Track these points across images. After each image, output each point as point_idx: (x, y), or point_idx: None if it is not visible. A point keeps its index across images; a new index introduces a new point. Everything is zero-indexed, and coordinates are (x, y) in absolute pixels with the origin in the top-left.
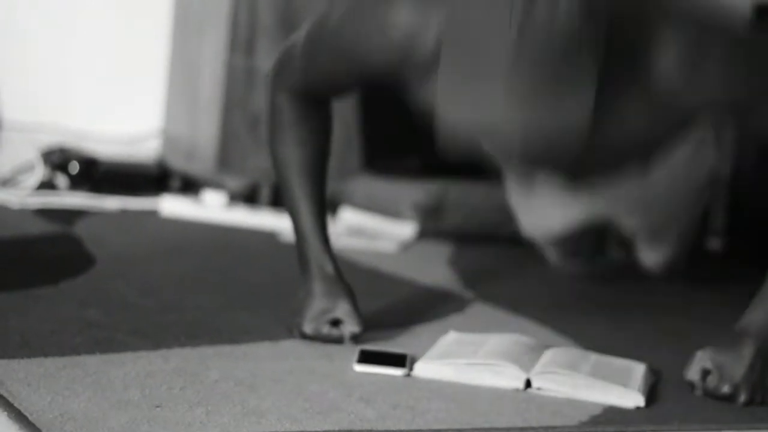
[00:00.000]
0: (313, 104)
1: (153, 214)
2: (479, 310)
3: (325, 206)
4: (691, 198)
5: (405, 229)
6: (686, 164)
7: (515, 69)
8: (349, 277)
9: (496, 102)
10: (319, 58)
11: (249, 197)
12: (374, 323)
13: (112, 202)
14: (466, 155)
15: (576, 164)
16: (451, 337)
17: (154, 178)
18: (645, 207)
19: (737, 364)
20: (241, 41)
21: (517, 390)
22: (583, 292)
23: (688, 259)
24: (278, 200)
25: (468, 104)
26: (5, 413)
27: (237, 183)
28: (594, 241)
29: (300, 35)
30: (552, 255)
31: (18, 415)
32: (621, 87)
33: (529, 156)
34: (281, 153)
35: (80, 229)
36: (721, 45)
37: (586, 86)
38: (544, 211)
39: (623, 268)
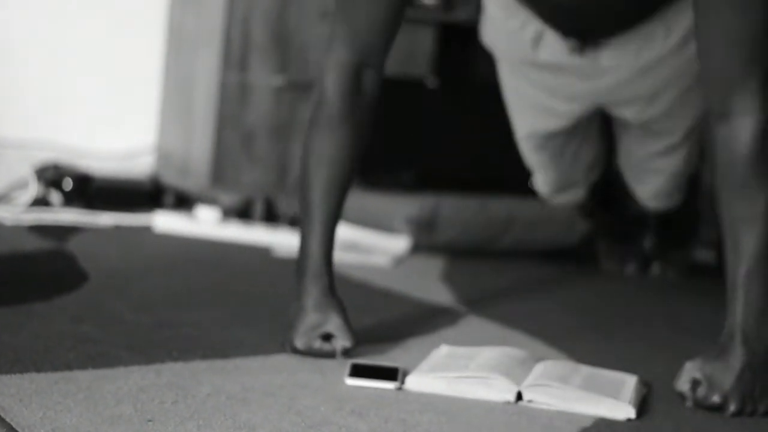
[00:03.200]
0: (360, 104)
1: (147, 230)
2: (471, 323)
3: (338, 221)
4: (691, 89)
5: (398, 244)
6: (688, 39)
7: None
8: (342, 292)
9: None
10: (353, 3)
11: (242, 213)
12: (366, 337)
13: (105, 219)
14: None
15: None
16: (443, 351)
17: (147, 194)
18: (645, 91)
19: (726, 374)
20: (235, 58)
21: (508, 403)
22: (575, 306)
23: (685, 193)
24: (272, 216)
25: None
26: None
27: (230, 199)
28: (601, 192)
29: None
30: (542, 186)
31: (10, 430)
32: None
33: None
34: (314, 152)
35: (74, 245)
36: None
37: None
38: (552, 99)
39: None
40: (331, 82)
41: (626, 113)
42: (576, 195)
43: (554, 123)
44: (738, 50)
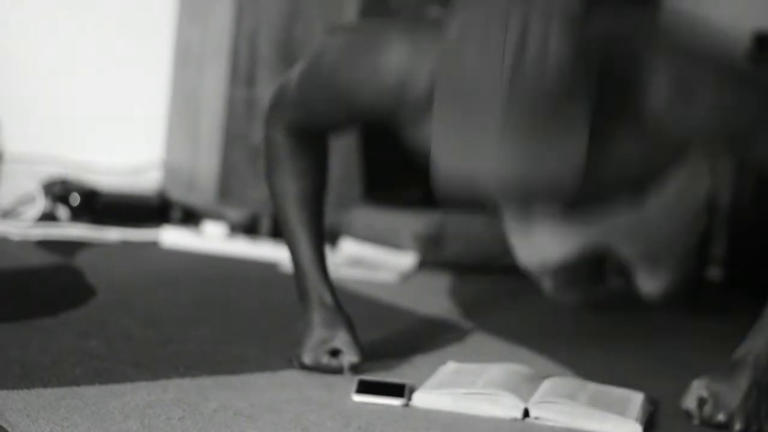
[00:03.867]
0: (309, 139)
1: (154, 245)
2: (478, 340)
3: (323, 237)
4: (687, 225)
5: (405, 260)
6: (681, 193)
7: (507, 116)
8: (349, 307)
9: (489, 150)
10: (313, 98)
11: (249, 228)
12: (373, 353)
13: (113, 234)
14: (462, 199)
15: (571, 198)
16: (450, 367)
17: (154, 210)
18: (640, 236)
19: (733, 392)
20: (242, 73)
21: (515, 419)
22: (582, 322)
23: (688, 287)
24: (278, 231)
25: (461, 152)
26: None
27: (237, 214)
28: (591, 271)
29: (295, 73)
30: (547, 285)
31: None
32: (613, 123)
33: (523, 200)
34: (278, 186)
35: (81, 260)
36: (712, 76)
37: (579, 131)
38: (542, 243)
39: (618, 297)
40: (280, 133)
41: (622, 249)
42: (578, 296)
43: (549, 257)
44: None
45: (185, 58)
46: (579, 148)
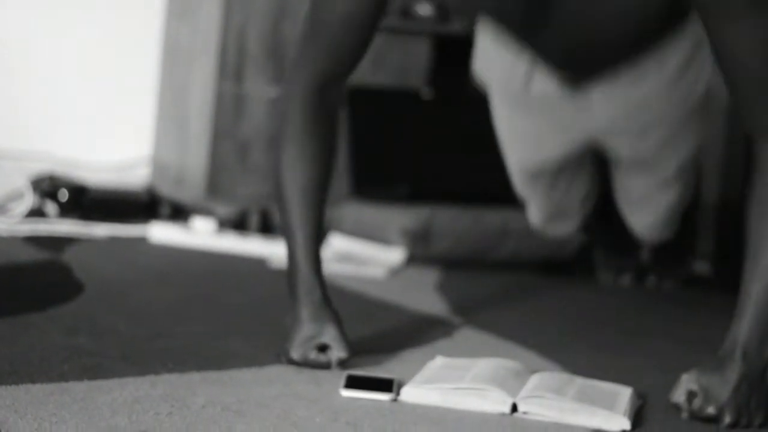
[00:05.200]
0: (324, 115)
1: (142, 241)
2: (467, 335)
3: (321, 231)
4: (685, 119)
5: (393, 255)
6: (680, 72)
7: None
8: (337, 303)
9: None
10: (324, 19)
11: (238, 224)
12: (361, 348)
13: (101, 230)
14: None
15: (573, 44)
16: (438, 362)
17: (143, 206)
18: (638, 125)
19: (722, 386)
20: (230, 69)
21: (503, 414)
22: (570, 317)
23: (681, 229)
24: (267, 227)
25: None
26: None
27: (226, 210)
28: (582, 200)
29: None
30: (536, 217)
31: None
32: None
33: None
34: (284, 171)
35: (69, 256)
36: None
37: None
38: (544, 133)
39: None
40: (296, 98)
41: (619, 147)
42: (569, 226)
43: (546, 156)
44: (765, 83)
45: (174, 54)
46: None
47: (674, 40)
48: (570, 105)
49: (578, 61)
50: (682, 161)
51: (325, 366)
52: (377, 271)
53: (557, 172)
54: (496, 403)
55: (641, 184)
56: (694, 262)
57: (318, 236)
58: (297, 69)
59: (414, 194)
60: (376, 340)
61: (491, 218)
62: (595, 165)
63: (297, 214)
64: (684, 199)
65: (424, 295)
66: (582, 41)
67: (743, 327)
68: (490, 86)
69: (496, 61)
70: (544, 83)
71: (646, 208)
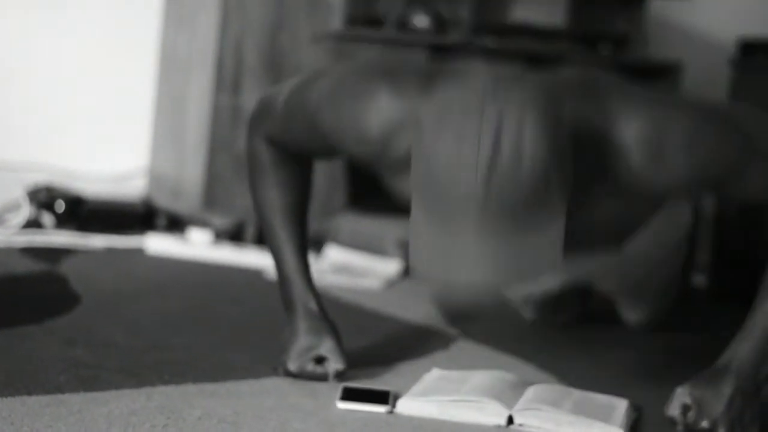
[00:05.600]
0: (291, 154)
1: (139, 253)
2: (463, 347)
3: (307, 245)
4: (667, 260)
5: (390, 267)
6: (660, 229)
7: (482, 218)
8: (334, 314)
9: (465, 252)
10: (296, 128)
11: (234, 235)
12: (358, 360)
13: (98, 241)
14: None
15: None
16: (434, 374)
17: (140, 217)
18: (622, 273)
19: (716, 399)
20: (227, 81)
21: (499, 427)
22: (566, 329)
23: (671, 310)
24: (263, 238)
25: (438, 252)
26: None
27: (222, 221)
28: (575, 300)
29: (281, 94)
30: (528, 313)
31: None
32: (590, 193)
33: (500, 297)
34: (262, 195)
35: (66, 267)
36: (684, 124)
37: (556, 227)
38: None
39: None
40: (260, 141)
41: (604, 284)
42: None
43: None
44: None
45: (171, 66)
46: (556, 245)
47: (654, 214)
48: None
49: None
50: (670, 277)
51: (322, 378)
52: (373, 283)
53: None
54: (492, 415)
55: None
56: (692, 274)
57: (304, 251)
58: (259, 124)
59: (410, 206)
60: (373, 351)
61: None
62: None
63: (281, 232)
64: (675, 281)
65: (421, 307)
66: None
67: (744, 344)
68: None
69: None
70: None
71: (637, 311)
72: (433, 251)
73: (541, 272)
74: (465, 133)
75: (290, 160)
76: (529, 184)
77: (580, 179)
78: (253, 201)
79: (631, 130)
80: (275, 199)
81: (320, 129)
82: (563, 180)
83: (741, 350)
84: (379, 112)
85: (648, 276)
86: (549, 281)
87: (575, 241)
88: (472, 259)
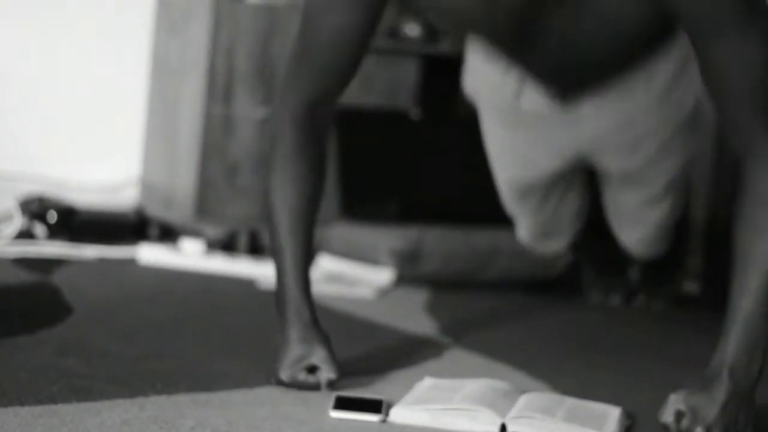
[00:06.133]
0: (314, 136)
1: (131, 263)
2: (455, 355)
3: (311, 252)
4: (674, 136)
5: (382, 276)
6: (669, 86)
7: None
8: (326, 324)
9: None
10: (314, 28)
11: (227, 245)
12: (350, 369)
13: (90, 251)
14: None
15: (562, 59)
16: (427, 383)
17: (132, 227)
18: (628, 141)
19: (710, 405)
20: (219, 89)
21: None
22: (559, 337)
23: (671, 248)
24: (256, 248)
25: None
26: None
27: (215, 231)
28: (571, 218)
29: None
30: (525, 233)
31: None
32: None
33: (524, 10)
34: (274, 192)
35: (58, 278)
36: None
37: None
38: (534, 151)
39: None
40: (286, 119)
41: (608, 163)
42: (559, 244)
43: (536, 173)
44: (751, 103)
45: (162, 74)
46: None
47: (662, 56)
48: (559, 121)
49: (567, 78)
50: (671, 176)
51: (315, 387)
52: (366, 292)
53: (547, 189)
54: (485, 423)
55: (631, 199)
56: (684, 281)
57: (307, 258)
58: (286, 91)
59: (403, 214)
60: (365, 360)
61: (480, 238)
62: (585, 182)
63: (286, 236)
64: (674, 215)
65: (413, 316)
66: (571, 60)
67: (730, 345)
68: (480, 103)
69: (486, 79)
70: (534, 100)
71: (636, 224)
72: None
73: None
74: None
75: (310, 150)
76: None
77: None
78: (264, 195)
79: None
80: (287, 197)
81: (333, 5)
82: None
83: (729, 353)
84: None
85: (655, 147)
86: (558, 149)
87: (574, 56)
88: None
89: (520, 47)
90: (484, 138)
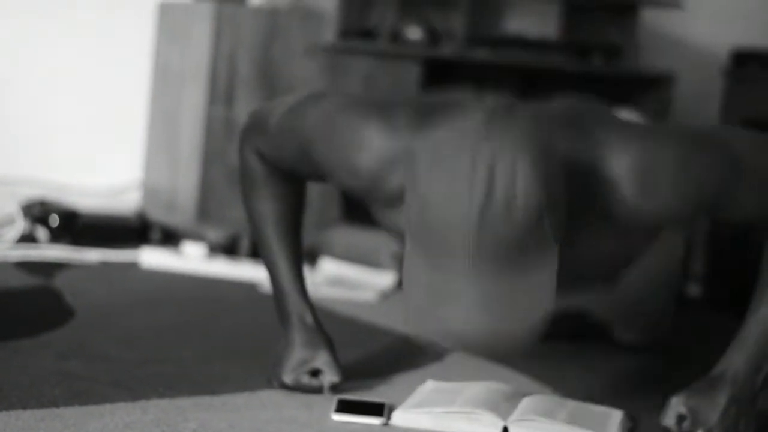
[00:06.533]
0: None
1: (133, 266)
2: (457, 359)
3: (301, 257)
4: (661, 287)
5: (384, 279)
6: (653, 266)
7: (475, 261)
8: (329, 327)
9: (457, 296)
10: (288, 151)
11: (229, 248)
12: (353, 373)
13: (92, 255)
14: (432, 337)
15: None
16: (429, 386)
17: (134, 231)
18: (617, 302)
19: (711, 409)
20: (220, 93)
21: None
22: (560, 340)
23: (665, 330)
24: (258, 251)
25: (431, 295)
26: None
27: (217, 234)
28: (570, 325)
29: (273, 109)
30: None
31: None
32: (582, 223)
33: (491, 350)
34: (256, 207)
35: (60, 281)
36: (673, 152)
37: (548, 272)
38: None
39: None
40: (253, 157)
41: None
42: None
43: None
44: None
45: (164, 79)
46: (550, 285)
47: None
48: None
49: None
50: (663, 305)
51: (317, 390)
52: (368, 295)
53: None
54: (487, 426)
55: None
56: (687, 283)
57: (299, 263)
58: (250, 136)
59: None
60: (368, 364)
61: None
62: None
63: (276, 245)
64: (673, 295)
65: None
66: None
67: (739, 353)
68: None
69: None
70: None
71: (631, 332)
72: (426, 291)
73: (534, 314)
74: (458, 173)
75: (283, 175)
76: (522, 225)
77: (572, 215)
78: (246, 212)
79: (622, 162)
80: (269, 212)
81: (312, 158)
82: (557, 220)
83: (736, 359)
84: (372, 149)
85: (642, 304)
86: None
87: (569, 279)
88: (465, 301)
89: None
90: None
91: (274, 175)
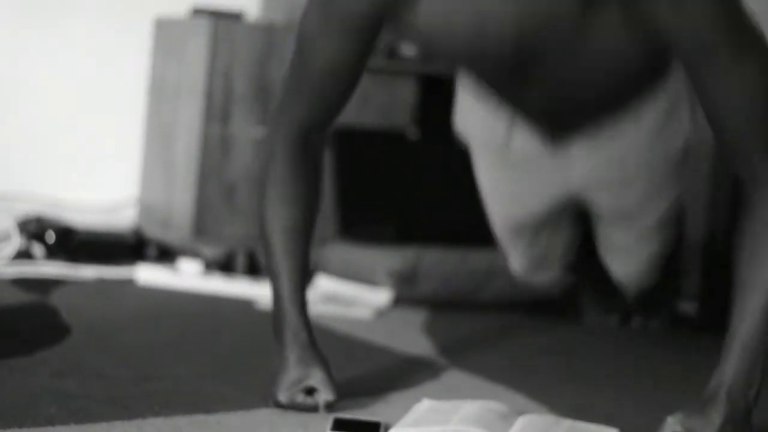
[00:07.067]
0: (308, 159)
1: (129, 283)
2: (453, 376)
3: (306, 272)
4: (664, 177)
5: (380, 296)
6: (659, 127)
7: None
8: (324, 345)
9: None
10: (308, 55)
11: (225, 265)
12: (348, 391)
13: (88, 272)
14: (448, 62)
15: (554, 99)
16: (424, 405)
17: (130, 247)
18: (619, 180)
19: (707, 428)
20: (217, 110)
21: None
22: (556, 358)
23: (666, 270)
24: (254, 268)
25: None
26: None
27: (213, 251)
28: (564, 248)
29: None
30: (518, 265)
31: None
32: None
33: (521, 45)
34: (269, 212)
35: (56, 298)
36: None
37: None
38: (526, 191)
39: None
40: (279, 144)
41: (599, 202)
42: (551, 274)
43: (527, 212)
44: (751, 131)
45: (160, 95)
46: None
47: (653, 96)
48: (550, 161)
49: (558, 117)
50: (662, 213)
51: (312, 409)
52: (364, 313)
53: (539, 228)
54: None
55: (623, 235)
56: (680, 301)
57: (303, 278)
58: (280, 114)
59: (400, 235)
60: (363, 382)
61: (477, 259)
62: (576, 217)
63: (281, 257)
64: (666, 250)
65: (411, 337)
66: (562, 99)
67: (728, 368)
68: (471, 142)
69: (477, 118)
70: (524, 140)
71: (627, 258)
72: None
73: (560, 19)
74: None
75: (304, 173)
76: None
77: None
78: (258, 217)
79: None
80: (281, 218)
81: (330, 27)
82: None
83: (727, 375)
84: None
85: (645, 187)
86: (549, 189)
87: (566, 95)
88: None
89: (510, 86)
90: (476, 175)
91: (295, 170)
